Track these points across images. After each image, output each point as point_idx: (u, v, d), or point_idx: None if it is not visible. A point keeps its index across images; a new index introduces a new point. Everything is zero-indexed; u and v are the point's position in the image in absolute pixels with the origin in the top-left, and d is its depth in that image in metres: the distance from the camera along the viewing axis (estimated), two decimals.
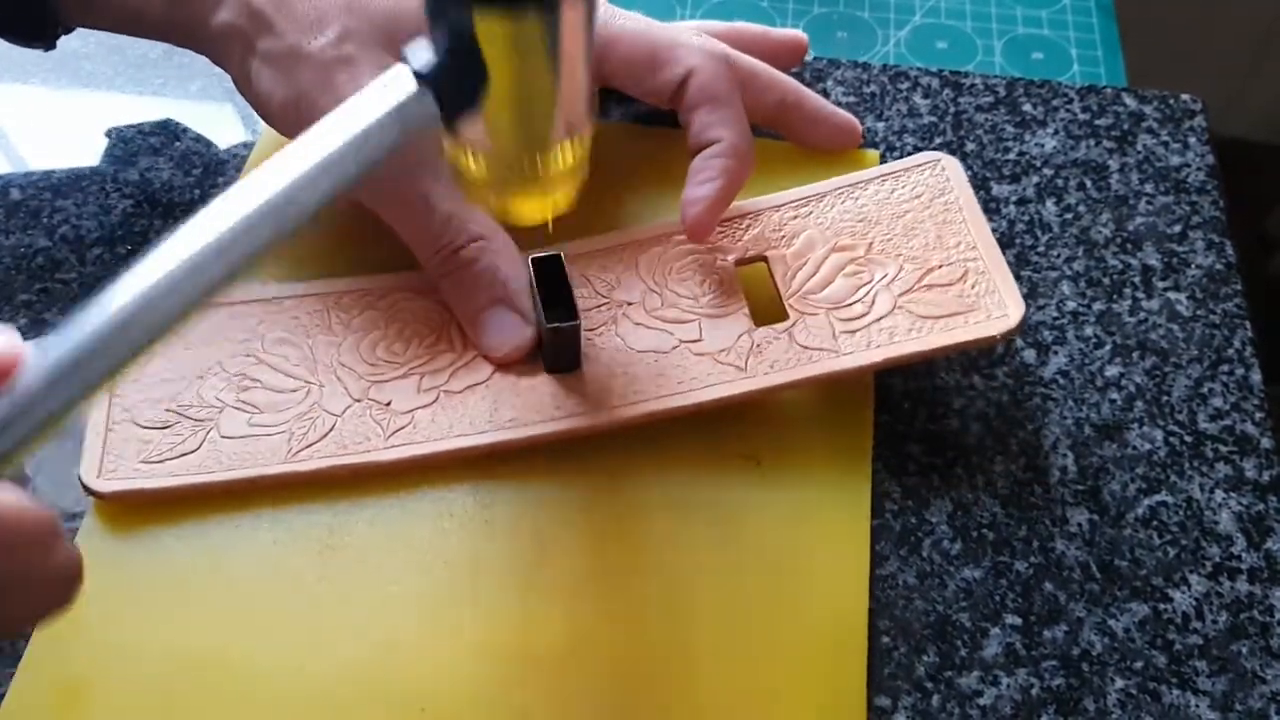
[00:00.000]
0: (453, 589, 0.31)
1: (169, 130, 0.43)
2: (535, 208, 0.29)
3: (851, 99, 0.44)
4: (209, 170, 0.41)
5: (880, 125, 0.43)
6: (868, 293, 0.34)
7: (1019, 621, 0.32)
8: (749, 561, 0.32)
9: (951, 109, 0.43)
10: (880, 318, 0.34)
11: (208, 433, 0.33)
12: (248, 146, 0.42)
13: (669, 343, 0.34)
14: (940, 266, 0.34)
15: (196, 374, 0.34)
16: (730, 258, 0.36)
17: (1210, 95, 0.45)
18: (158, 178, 0.41)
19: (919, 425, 0.35)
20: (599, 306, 0.35)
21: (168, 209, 0.40)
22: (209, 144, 0.42)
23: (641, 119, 0.42)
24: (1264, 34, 1.04)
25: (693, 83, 0.37)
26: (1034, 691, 0.30)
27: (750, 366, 0.33)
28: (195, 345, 0.35)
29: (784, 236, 0.36)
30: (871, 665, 0.30)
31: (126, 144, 0.42)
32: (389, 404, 0.34)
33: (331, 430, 0.33)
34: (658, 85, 0.38)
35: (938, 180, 0.36)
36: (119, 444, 0.33)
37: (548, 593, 0.31)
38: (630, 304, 0.35)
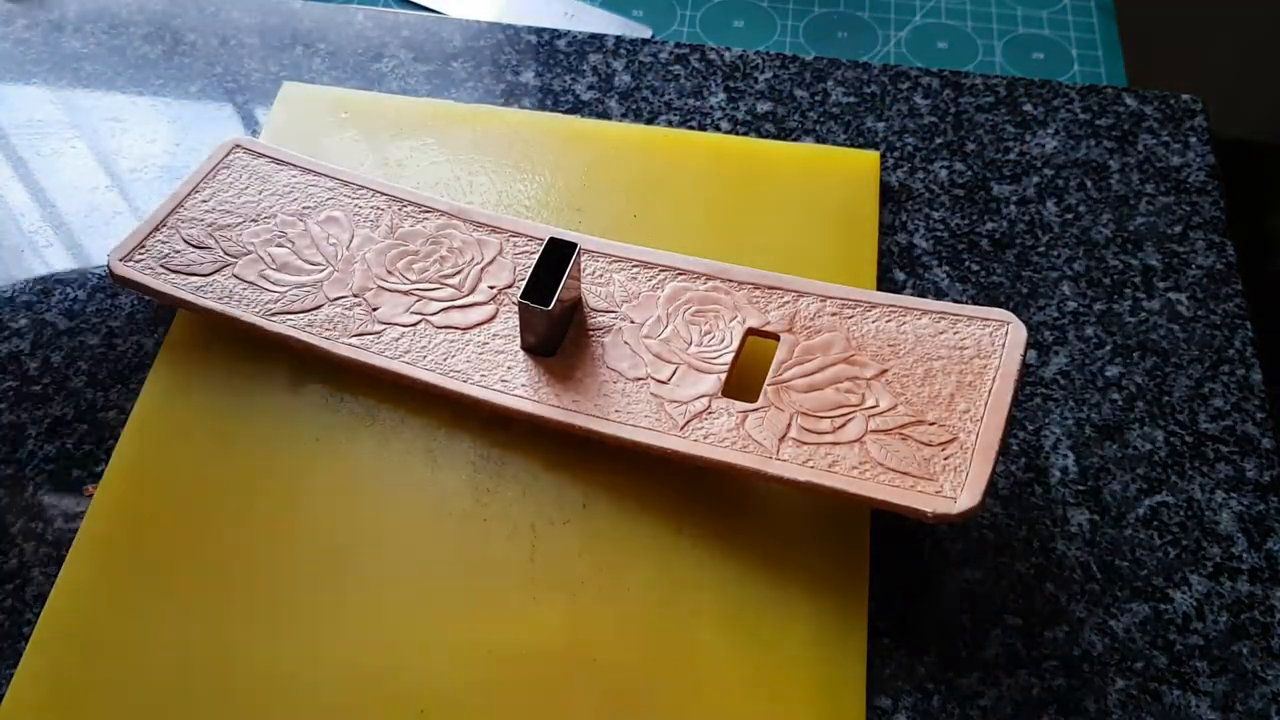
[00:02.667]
0: (451, 589, 0.31)
1: (169, 130, 0.43)
2: None
3: (852, 99, 0.44)
4: None
5: (881, 125, 0.43)
6: (846, 414, 0.32)
7: (1019, 622, 0.32)
8: (749, 563, 0.32)
9: (952, 109, 0.43)
10: (838, 444, 0.31)
11: (225, 266, 0.36)
12: None
13: (639, 371, 0.34)
14: (933, 424, 0.32)
15: (252, 216, 0.38)
16: (748, 323, 0.35)
17: (1210, 95, 0.45)
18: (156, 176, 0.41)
19: None
20: (606, 311, 0.35)
21: None
22: (209, 144, 0.42)
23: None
24: (1264, 34, 1.04)
25: None
26: (1035, 692, 0.30)
27: (688, 429, 0.32)
28: (269, 194, 0.38)
29: (810, 327, 0.34)
30: (871, 665, 0.30)
31: (126, 144, 0.42)
32: (376, 310, 0.35)
33: (314, 310, 0.35)
34: None
35: (991, 341, 0.33)
36: (157, 244, 0.37)
37: (546, 592, 0.31)
38: (634, 322, 0.35)
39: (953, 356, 0.33)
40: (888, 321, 0.34)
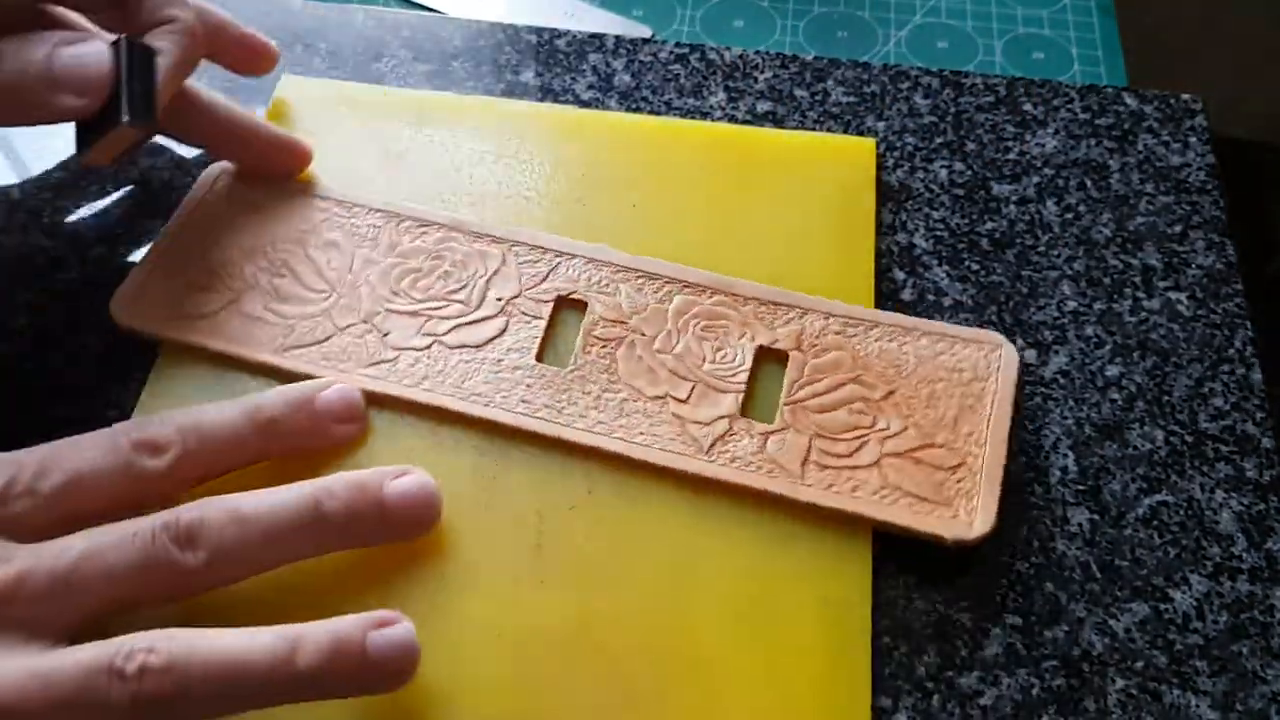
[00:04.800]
0: (456, 577, 0.32)
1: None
2: None
3: (852, 98, 0.44)
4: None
5: (880, 125, 0.43)
6: (860, 437, 0.33)
7: (1019, 621, 0.32)
8: (753, 558, 0.32)
9: (952, 109, 0.43)
10: (857, 467, 0.33)
11: (229, 303, 0.36)
12: None
13: (656, 390, 0.34)
14: (941, 446, 0.33)
15: (249, 247, 0.37)
16: (757, 340, 0.35)
17: (1210, 95, 0.45)
18: (158, 178, 0.41)
19: None
20: (617, 322, 0.35)
21: (168, 209, 0.40)
22: None
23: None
24: (1264, 34, 1.04)
25: None
26: (1035, 692, 0.30)
27: (713, 451, 0.33)
28: (262, 221, 0.38)
29: (817, 345, 0.35)
30: (872, 665, 0.30)
31: None
32: (386, 335, 0.35)
33: (326, 340, 0.35)
34: None
35: (987, 364, 0.35)
36: (157, 287, 0.36)
37: (552, 579, 0.31)
38: (644, 335, 0.35)
39: (952, 379, 0.34)
40: (890, 342, 0.35)
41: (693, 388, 0.34)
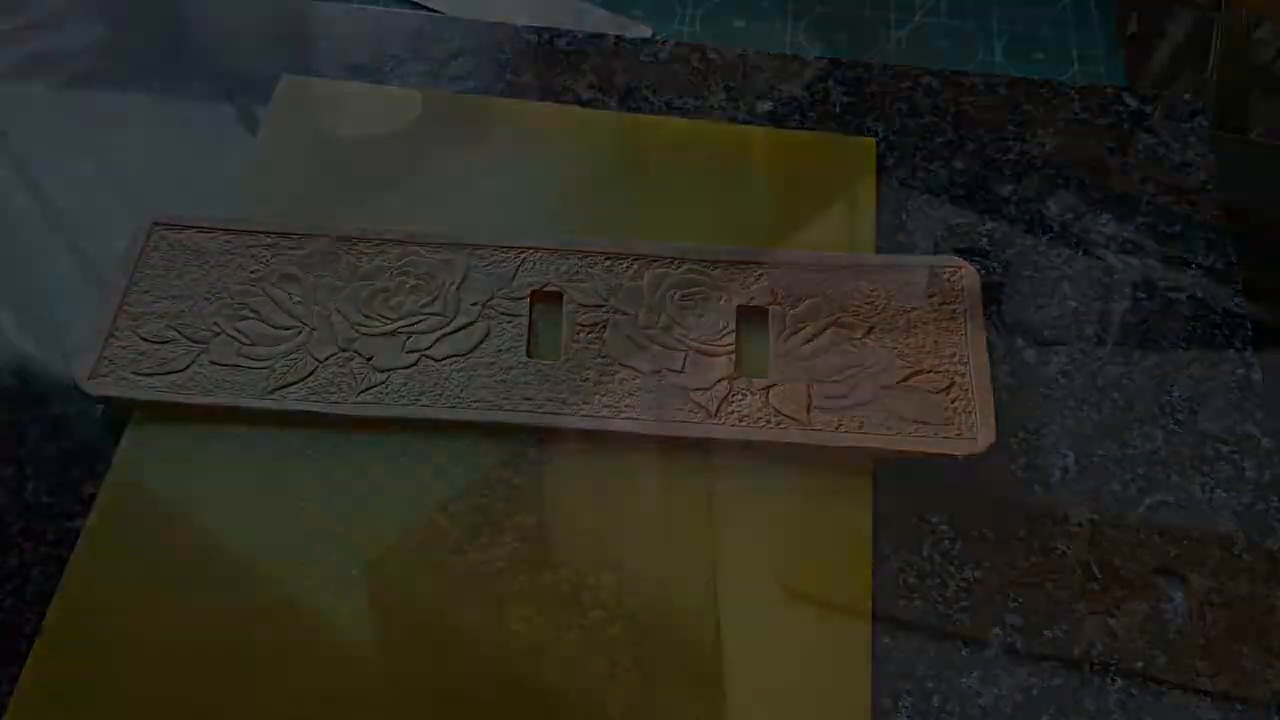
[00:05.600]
0: (459, 576, 0.32)
1: (170, 130, 0.43)
2: None
3: (852, 98, 0.44)
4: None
5: (881, 125, 0.43)
6: (853, 376, 0.34)
7: (1019, 621, 0.32)
8: (751, 567, 0.32)
9: (952, 108, 0.43)
10: (857, 404, 0.34)
11: (198, 355, 0.35)
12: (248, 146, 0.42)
13: (651, 365, 0.35)
14: (929, 371, 0.35)
15: (204, 295, 0.36)
16: (735, 301, 0.36)
17: (1210, 95, 0.45)
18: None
19: None
20: (595, 306, 0.36)
21: None
22: (209, 144, 0.42)
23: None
24: (1264, 34, 1.04)
25: None
26: (1035, 692, 0.30)
27: (721, 413, 0.34)
28: (210, 268, 0.36)
29: (792, 295, 0.36)
30: (872, 665, 0.30)
31: (128, 144, 0.42)
32: (371, 359, 0.35)
33: (310, 375, 0.34)
34: None
35: (952, 286, 0.36)
36: (117, 351, 0.35)
37: (553, 579, 0.32)
38: (626, 314, 0.36)
39: (924, 306, 0.36)
40: (859, 281, 0.37)
41: (685, 357, 0.35)
